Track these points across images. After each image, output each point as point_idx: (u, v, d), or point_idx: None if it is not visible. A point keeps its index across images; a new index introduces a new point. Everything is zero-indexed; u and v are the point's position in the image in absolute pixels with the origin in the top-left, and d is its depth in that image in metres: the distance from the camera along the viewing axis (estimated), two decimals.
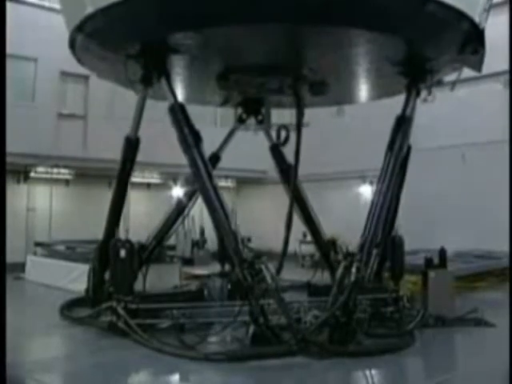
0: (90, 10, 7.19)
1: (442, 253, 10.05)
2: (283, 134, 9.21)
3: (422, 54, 8.05)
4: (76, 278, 12.29)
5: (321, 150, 18.36)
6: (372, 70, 8.85)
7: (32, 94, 17.09)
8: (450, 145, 16.59)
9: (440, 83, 9.77)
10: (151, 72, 8.17)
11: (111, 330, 8.16)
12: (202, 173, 7.87)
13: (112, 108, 17.40)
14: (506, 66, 15.09)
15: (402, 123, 8.51)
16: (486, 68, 15.77)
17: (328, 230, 11.97)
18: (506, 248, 12.69)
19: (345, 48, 7.73)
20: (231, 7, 6.44)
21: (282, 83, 8.68)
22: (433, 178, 16.78)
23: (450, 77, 9.80)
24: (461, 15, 7.22)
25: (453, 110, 16.22)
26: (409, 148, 9.18)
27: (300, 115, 8.81)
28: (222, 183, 23.62)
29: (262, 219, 21.01)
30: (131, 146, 9.25)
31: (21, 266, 15.21)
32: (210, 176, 7.93)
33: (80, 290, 10.38)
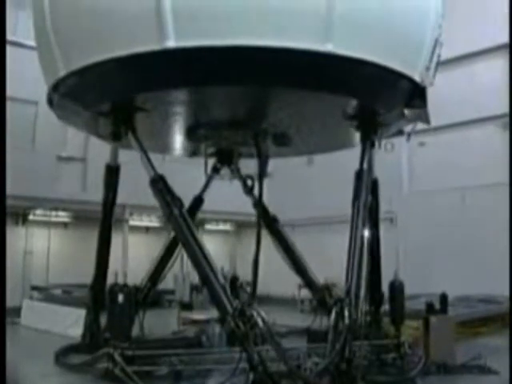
0: (63, 72, 7.72)
1: (443, 298, 9.97)
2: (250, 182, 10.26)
3: (371, 110, 8.52)
4: (72, 324, 12.12)
5: (317, 193, 18.44)
6: (328, 123, 9.40)
7: (32, 136, 17.19)
8: (450, 187, 16.65)
9: (400, 133, 10.13)
10: (119, 128, 8.66)
11: (108, 378, 8.01)
12: (186, 235, 8.10)
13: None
14: (504, 109, 15.29)
15: (362, 175, 8.85)
16: (486, 111, 16.10)
17: (328, 273, 11.88)
18: (507, 292, 12.57)
19: (299, 105, 8.19)
20: (193, 72, 6.94)
21: (245, 136, 9.24)
22: (432, 221, 16.77)
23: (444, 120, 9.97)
24: (399, 75, 7.66)
25: (452, 153, 16.35)
26: (374, 183, 9.46)
27: (262, 166, 9.29)
28: (221, 227, 23.60)
29: (262, 263, 20.84)
30: (112, 173, 9.63)
31: (17, 311, 15.02)
32: (194, 238, 8.15)
33: (77, 336, 10.23)
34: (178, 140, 10.25)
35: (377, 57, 7.12)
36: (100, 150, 17.86)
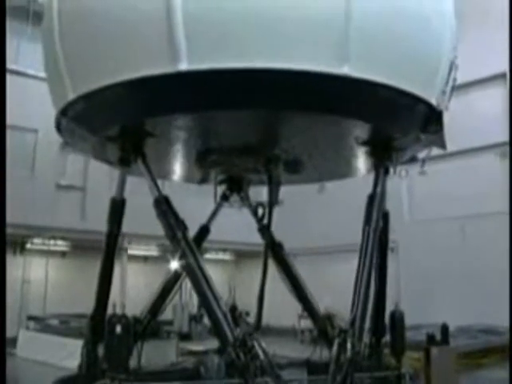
0: (71, 96, 7.59)
1: (444, 329, 9.86)
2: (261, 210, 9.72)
3: (386, 135, 8.39)
4: (69, 355, 11.96)
5: (313, 223, 18.39)
6: (341, 149, 9.25)
7: (31, 165, 17.21)
8: (450, 216, 16.63)
9: (414, 160, 10.03)
10: (128, 154, 8.54)
11: None
12: (189, 259, 7.98)
13: (111, 180, 17.43)
14: (502, 138, 15.38)
15: (375, 200, 8.71)
16: (484, 140, 16.18)
17: (324, 303, 11.77)
18: (507, 323, 12.48)
19: (312, 130, 8.09)
20: (206, 95, 6.85)
21: (256, 163, 9.08)
22: (433, 250, 16.72)
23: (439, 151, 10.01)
24: (416, 99, 7.56)
25: (452, 182, 16.37)
26: (386, 216, 9.32)
27: (272, 193, 9.13)
28: (220, 256, 23.49)
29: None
30: (117, 207, 9.46)
31: (13, 342, 14.84)
32: (197, 262, 8.03)
33: (74, 367, 10.08)
34: (187, 166, 10.09)
35: (393, 80, 6.92)
36: (99, 179, 18.00)
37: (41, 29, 8.63)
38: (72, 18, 7.24)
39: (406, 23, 7.04)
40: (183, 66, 6.38)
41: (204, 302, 7.74)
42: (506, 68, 15.32)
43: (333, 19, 6.31)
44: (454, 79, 8.16)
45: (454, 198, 16.58)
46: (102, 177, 17.78)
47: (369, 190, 8.57)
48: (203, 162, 9.19)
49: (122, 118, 7.70)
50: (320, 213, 19.56)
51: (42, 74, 17.18)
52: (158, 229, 16.28)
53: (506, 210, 13.96)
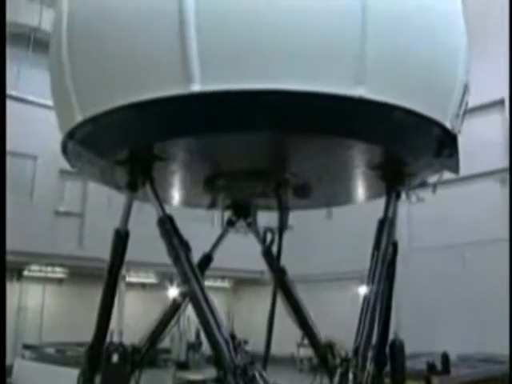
0: (79, 118, 7.52)
1: (445, 358, 9.76)
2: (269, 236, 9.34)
3: (399, 159, 8.25)
4: None
5: (314, 250, 18.32)
6: (352, 173, 9.10)
7: (30, 191, 17.20)
8: (450, 243, 16.59)
9: (423, 185, 9.95)
10: (137, 178, 8.42)
11: None
12: (193, 284, 7.83)
13: (110, 207, 17.42)
14: (501, 164, 15.42)
15: (385, 225, 8.55)
16: (483, 166, 16.21)
17: (326, 332, 11.65)
18: (507, 351, 12.36)
19: (324, 153, 7.98)
20: (220, 117, 6.72)
21: (265, 187, 8.93)
22: (433, 277, 16.63)
23: (445, 176, 9.97)
24: (431, 122, 7.46)
25: (451, 208, 16.36)
26: (395, 245, 9.18)
27: (282, 219, 8.97)
28: (218, 284, 23.34)
29: (260, 321, 20.49)
30: (121, 239, 9.27)
31: (8, 370, 14.65)
32: (200, 286, 7.87)
33: None
34: (194, 191, 9.93)
35: (409, 102, 6.81)
36: (97, 206, 17.99)
37: (49, 49, 8.51)
38: (81, 38, 7.16)
39: (422, 45, 6.96)
40: (196, 87, 6.23)
41: (206, 328, 7.58)
42: (504, 94, 15.41)
43: (348, 40, 6.25)
44: (466, 103, 8.12)
45: (454, 225, 16.55)
46: (100, 203, 17.77)
47: (371, 216, 8.50)
48: (212, 186, 9.02)
49: (131, 141, 7.53)
50: (319, 239, 19.50)
51: (42, 101, 17.53)
52: (156, 256, 16.26)
53: (506, 236, 13.92)
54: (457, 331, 15.27)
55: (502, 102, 16.26)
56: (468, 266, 16.14)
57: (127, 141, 7.56)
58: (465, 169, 10.30)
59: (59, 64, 7.52)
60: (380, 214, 9.50)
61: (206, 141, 7.33)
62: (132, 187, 8.62)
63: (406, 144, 7.72)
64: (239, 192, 9.17)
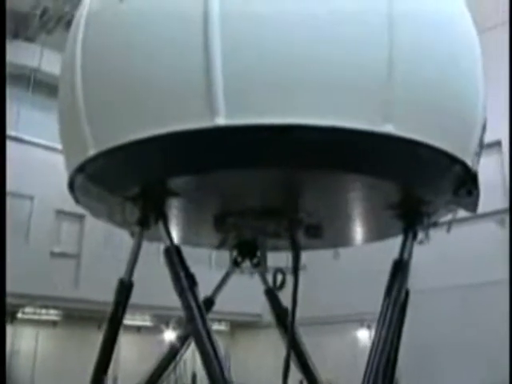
0: (91, 152, 7.19)
1: None
2: (279, 277, 8.99)
3: (419, 197, 8.06)
4: None
5: (316, 292, 18.02)
6: (368, 213, 8.85)
7: (26, 232, 17.05)
8: (451, 285, 16.45)
9: (435, 225, 9.78)
10: (149, 214, 8.09)
11: None
12: (196, 318, 7.51)
13: (106, 248, 17.27)
14: (499, 206, 15.43)
15: (400, 268, 8.32)
16: (481, 208, 16.09)
17: (324, 375, 11.41)
18: None
19: (340, 192, 7.76)
20: (240, 151, 6.43)
21: (278, 227, 8.62)
22: (433, 319, 16.43)
23: (445, 217, 9.85)
24: (453, 159, 7.32)
25: (452, 250, 16.24)
26: (407, 292, 8.95)
27: (297, 259, 8.65)
28: (215, 327, 22.97)
29: (257, 365, 20.18)
30: (124, 289, 8.93)
31: None
32: (204, 321, 7.57)
33: None
34: (205, 229, 9.57)
35: (435, 140, 6.68)
36: (94, 247, 17.83)
37: (59, 78, 8.27)
38: (97, 67, 6.92)
39: (448, 83, 6.88)
40: (221, 120, 6.03)
41: (209, 370, 7.30)
42: (501, 136, 15.50)
43: (376, 76, 6.17)
44: (483, 141, 8.06)
45: (454, 266, 16.43)
46: (96, 245, 17.61)
47: (373, 258, 8.36)
48: (224, 224, 8.72)
49: (148, 176, 7.23)
50: (322, 281, 19.25)
51: (42, 141, 17.51)
52: (152, 299, 16.09)
53: (506, 278, 13.83)
54: (459, 372, 15.04)
55: (499, 143, 16.35)
56: (469, 307, 15.99)
57: (144, 176, 7.25)
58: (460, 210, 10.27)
59: (72, 95, 7.25)
60: (382, 256, 9.37)
61: (226, 176, 7.03)
62: (143, 224, 8.29)
63: (429, 182, 7.53)
64: (252, 231, 8.86)
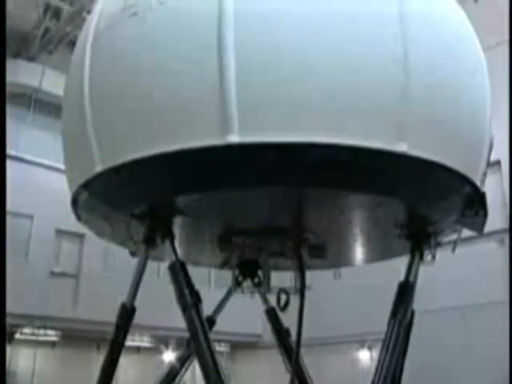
0: (99, 168, 7.09)
1: None
2: (283, 297, 8.88)
3: (429, 217, 8.00)
4: None
5: (315, 312, 17.90)
6: (375, 233, 8.76)
7: (25, 251, 16.99)
8: (451, 306, 16.36)
9: (439, 245, 9.73)
10: (155, 233, 7.97)
11: None
12: (200, 335, 7.42)
13: (105, 268, 17.20)
14: (500, 225, 15.42)
15: (406, 290, 8.21)
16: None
17: None
18: None
19: (350, 212, 7.67)
20: (253, 168, 6.33)
21: (283, 246, 8.51)
22: (435, 340, 16.32)
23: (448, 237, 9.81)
24: (464, 179, 7.28)
25: (452, 271, 16.17)
26: (412, 313, 8.85)
27: (303, 279, 8.52)
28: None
29: None
30: (126, 314, 8.77)
31: None
32: (207, 339, 7.47)
33: None
34: (209, 248, 9.43)
35: (448, 159, 6.67)
36: (93, 267, 17.75)
37: (65, 98, 8.16)
38: (107, 82, 6.83)
39: (460, 104, 6.89)
40: (234, 138, 5.97)
41: (207, 378, 7.18)
42: (501, 156, 15.54)
43: (391, 95, 6.18)
44: (489, 160, 8.06)
45: (455, 287, 16.36)
46: (96, 264, 17.54)
47: (374, 277, 8.28)
48: (229, 243, 8.58)
49: (156, 193, 7.12)
50: (322, 301, 19.13)
51: (42, 161, 17.51)
52: (152, 319, 15.95)
53: (506, 299, 13.78)
54: None
55: (499, 162, 16.38)
56: (469, 329, 15.91)
57: (152, 193, 7.17)
58: (465, 230, 10.22)
59: (80, 111, 7.16)
60: (384, 276, 9.30)
61: (236, 194, 6.96)
62: (149, 242, 8.12)
63: (439, 202, 7.47)
64: (257, 250, 8.72)
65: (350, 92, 6.02)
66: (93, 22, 7.35)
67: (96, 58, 6.99)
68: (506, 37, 14.95)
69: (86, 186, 7.52)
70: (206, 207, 7.51)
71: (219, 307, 10.98)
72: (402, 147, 6.23)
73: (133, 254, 9.24)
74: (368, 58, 6.12)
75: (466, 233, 10.53)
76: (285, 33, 6.00)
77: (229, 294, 10.90)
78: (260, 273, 9.89)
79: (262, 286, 9.64)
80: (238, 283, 10.22)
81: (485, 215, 8.12)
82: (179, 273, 7.63)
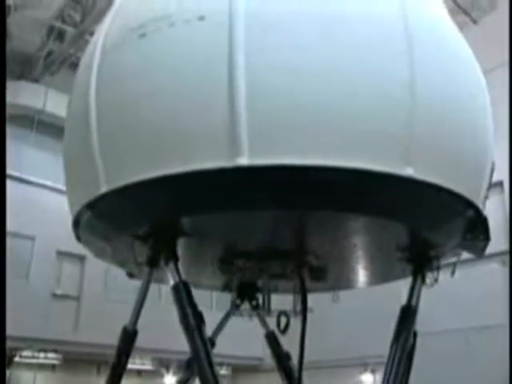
0: (103, 189, 7.06)
1: None
2: (283, 320, 8.81)
3: (432, 240, 8.02)
4: None
5: (317, 335, 17.76)
6: (378, 256, 8.75)
7: (26, 272, 16.93)
8: (453, 328, 16.31)
9: (440, 268, 9.72)
10: (159, 254, 7.94)
11: None
12: (202, 356, 7.34)
13: (107, 291, 17.11)
14: (502, 247, 15.41)
15: (408, 314, 8.17)
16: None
17: None
18: None
19: (353, 234, 7.68)
20: (262, 191, 6.34)
21: (284, 268, 8.48)
22: (436, 362, 16.20)
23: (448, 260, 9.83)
24: (467, 203, 7.34)
25: (454, 293, 16.12)
26: (415, 335, 8.79)
27: (305, 302, 8.48)
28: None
29: None
30: (128, 338, 8.64)
31: None
32: (210, 361, 7.38)
33: None
34: (210, 270, 9.39)
35: (453, 184, 6.70)
36: (94, 289, 17.65)
37: (68, 119, 8.15)
38: (114, 108, 6.80)
39: (465, 128, 6.97)
40: (243, 160, 5.95)
41: None
42: (503, 177, 15.58)
43: (397, 120, 6.26)
44: (491, 183, 8.11)
45: (457, 309, 16.32)
46: (97, 286, 17.45)
47: (375, 300, 8.24)
48: (232, 265, 8.55)
49: (162, 215, 7.06)
50: (323, 324, 19.02)
51: (44, 182, 17.53)
52: (153, 342, 15.84)
53: (506, 322, 13.76)
54: None
55: (501, 183, 16.41)
56: (471, 351, 15.86)
57: (158, 214, 7.10)
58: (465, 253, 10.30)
59: (85, 130, 7.11)
60: (385, 298, 9.25)
61: (243, 216, 6.95)
62: (152, 264, 8.04)
63: (443, 225, 7.53)
64: (258, 273, 8.69)
65: (358, 118, 6.08)
66: (98, 41, 7.31)
67: (102, 77, 6.97)
68: (504, 59, 15.06)
69: (90, 206, 7.49)
70: (209, 229, 7.49)
71: (218, 328, 10.92)
72: (408, 171, 6.32)
73: (130, 275, 9.19)
74: (376, 82, 6.24)
75: (468, 254, 10.54)
76: (295, 60, 6.06)
77: (227, 316, 10.85)
78: (259, 296, 9.88)
79: (261, 309, 9.65)
80: (236, 306, 10.18)
81: (486, 239, 8.14)
82: (182, 293, 7.58)
